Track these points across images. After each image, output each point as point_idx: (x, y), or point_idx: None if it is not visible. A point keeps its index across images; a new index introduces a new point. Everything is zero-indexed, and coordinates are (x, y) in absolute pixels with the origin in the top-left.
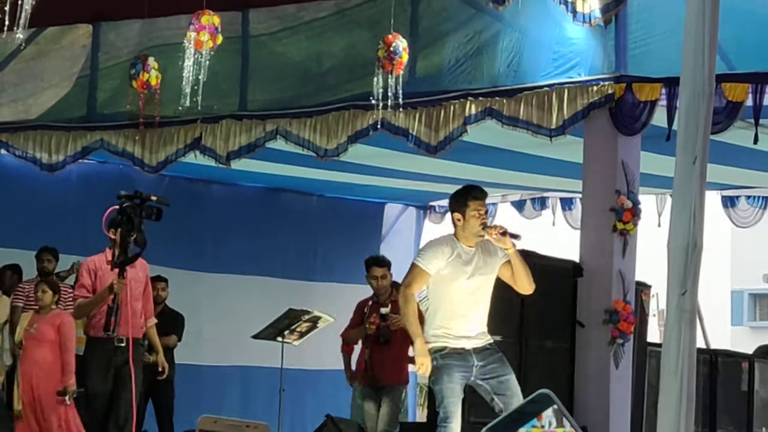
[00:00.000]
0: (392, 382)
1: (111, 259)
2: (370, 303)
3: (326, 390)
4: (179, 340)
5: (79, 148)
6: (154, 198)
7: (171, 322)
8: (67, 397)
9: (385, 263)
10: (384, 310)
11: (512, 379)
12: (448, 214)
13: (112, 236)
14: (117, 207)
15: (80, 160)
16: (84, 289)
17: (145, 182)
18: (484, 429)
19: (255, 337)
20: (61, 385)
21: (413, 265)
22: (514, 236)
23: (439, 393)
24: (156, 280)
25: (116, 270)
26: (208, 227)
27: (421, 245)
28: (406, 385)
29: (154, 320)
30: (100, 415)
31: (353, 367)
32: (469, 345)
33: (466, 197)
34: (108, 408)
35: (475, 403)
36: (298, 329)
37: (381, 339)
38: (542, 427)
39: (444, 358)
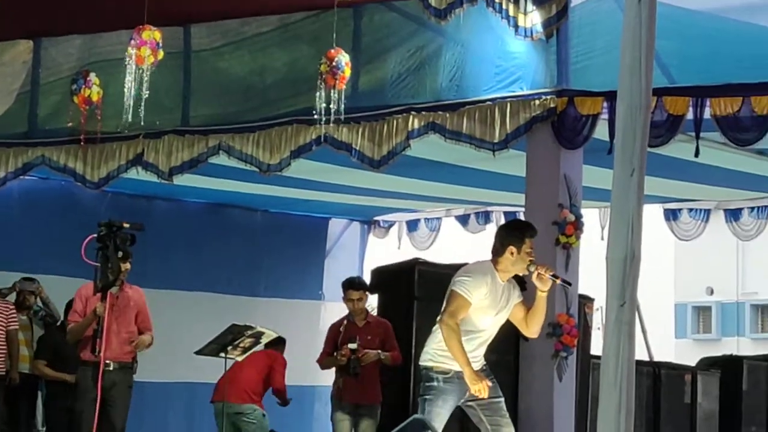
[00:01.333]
0: (369, 402)
1: (94, 285)
2: (345, 323)
3: (271, 406)
4: None
5: (20, 164)
6: (126, 225)
7: None
8: None
9: (361, 286)
10: (352, 346)
11: (503, 402)
12: (393, 228)
13: (92, 263)
14: (95, 235)
15: (21, 177)
16: (76, 314)
17: (87, 199)
18: None
19: (198, 353)
20: None
21: (455, 293)
22: (566, 282)
23: (426, 413)
24: None
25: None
26: (151, 243)
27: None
28: (380, 402)
29: (150, 333)
30: None
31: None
32: (474, 367)
33: (524, 233)
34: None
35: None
36: (242, 345)
37: (351, 371)
38: None
39: (446, 382)
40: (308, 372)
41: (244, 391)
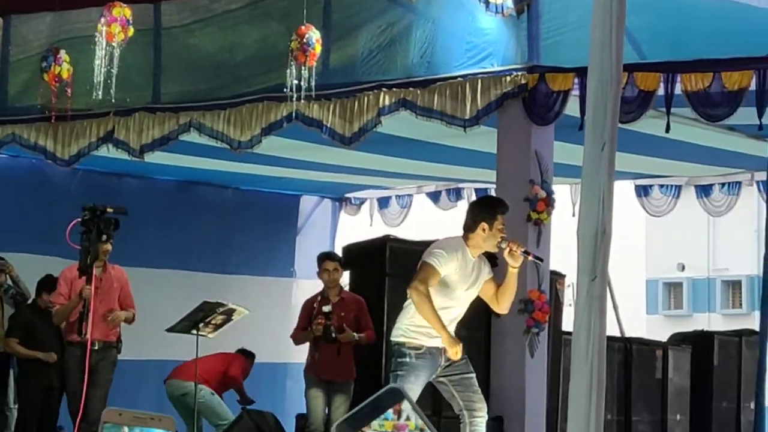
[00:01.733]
0: (343, 378)
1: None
2: (319, 299)
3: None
4: None
5: None
6: (110, 210)
7: None
8: None
9: (336, 258)
10: (326, 308)
11: (474, 378)
12: (364, 205)
13: (77, 247)
14: (80, 219)
15: None
16: (62, 296)
17: (58, 176)
18: (335, 424)
19: (170, 330)
20: None
21: (427, 264)
22: (537, 258)
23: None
24: None
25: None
26: (122, 221)
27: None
28: (354, 379)
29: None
30: (74, 412)
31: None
32: (442, 344)
33: (496, 209)
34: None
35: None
36: (213, 322)
37: (329, 337)
38: (397, 419)
39: (418, 358)
40: (280, 349)
41: (194, 373)
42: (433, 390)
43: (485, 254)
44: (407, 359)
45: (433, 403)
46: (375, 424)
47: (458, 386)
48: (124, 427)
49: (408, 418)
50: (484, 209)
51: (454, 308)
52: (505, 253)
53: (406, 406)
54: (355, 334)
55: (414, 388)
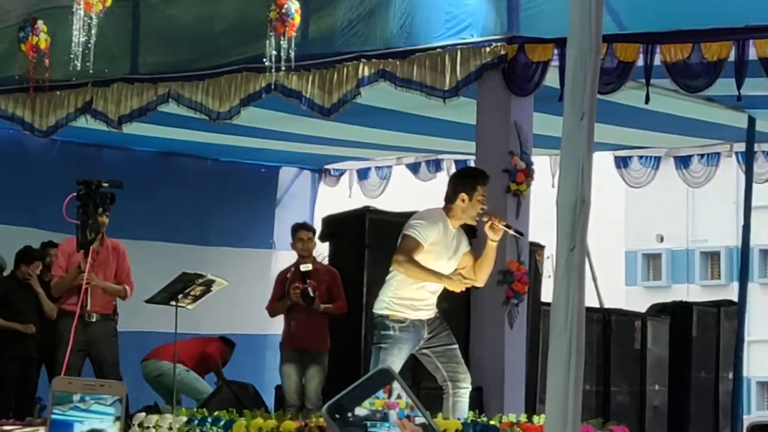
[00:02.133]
0: (317, 347)
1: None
2: (293, 270)
3: None
4: None
5: None
6: (106, 184)
7: None
8: None
9: (311, 228)
10: (305, 267)
11: (458, 349)
12: (344, 177)
13: (73, 221)
14: (75, 194)
15: None
16: (60, 269)
17: (36, 147)
18: (325, 406)
19: (148, 301)
20: None
21: (408, 236)
22: (518, 232)
23: (381, 362)
24: (48, 246)
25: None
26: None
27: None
28: (328, 349)
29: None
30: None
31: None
32: (425, 316)
33: (476, 180)
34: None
35: (425, 369)
36: (192, 293)
37: (309, 300)
38: (388, 397)
39: (402, 331)
40: (259, 320)
41: (171, 353)
42: (413, 361)
43: (464, 227)
44: (391, 332)
45: (412, 374)
46: (366, 402)
47: (442, 357)
48: (75, 395)
49: (399, 396)
50: (463, 180)
51: (433, 288)
52: (486, 226)
53: (396, 385)
54: (322, 305)
55: (397, 360)
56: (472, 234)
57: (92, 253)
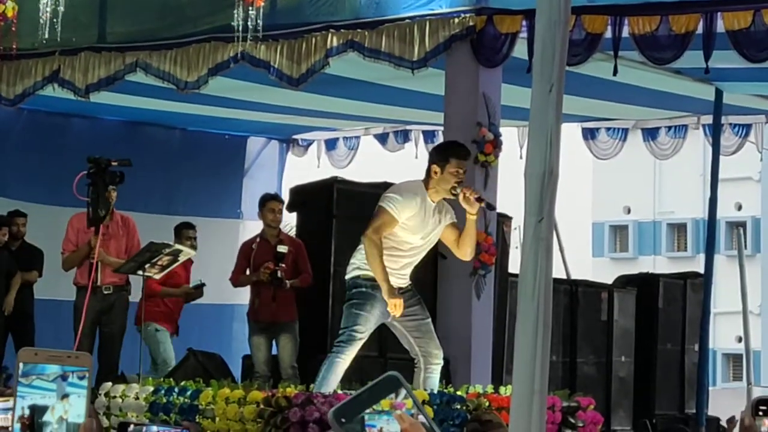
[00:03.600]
0: (285, 319)
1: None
2: (258, 240)
3: (187, 323)
4: (40, 275)
5: None
6: (114, 163)
7: (31, 258)
8: None
9: (281, 200)
10: (282, 249)
11: (430, 323)
12: (312, 147)
13: (84, 198)
14: (85, 172)
15: None
16: (70, 243)
17: (3, 116)
18: (332, 410)
19: (116, 271)
20: None
21: (383, 210)
22: (490, 205)
23: (353, 316)
24: (15, 215)
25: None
26: (69, 161)
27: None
28: (296, 319)
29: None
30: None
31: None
32: (397, 284)
33: (449, 153)
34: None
35: (393, 340)
36: (159, 263)
37: (275, 282)
38: (395, 398)
39: (374, 288)
40: (227, 291)
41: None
42: (379, 331)
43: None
44: (363, 289)
45: (379, 345)
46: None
47: (415, 332)
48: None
49: (405, 397)
50: (437, 153)
51: (411, 252)
52: (460, 198)
53: (403, 391)
54: (287, 281)
55: (370, 318)
56: None
57: (102, 227)
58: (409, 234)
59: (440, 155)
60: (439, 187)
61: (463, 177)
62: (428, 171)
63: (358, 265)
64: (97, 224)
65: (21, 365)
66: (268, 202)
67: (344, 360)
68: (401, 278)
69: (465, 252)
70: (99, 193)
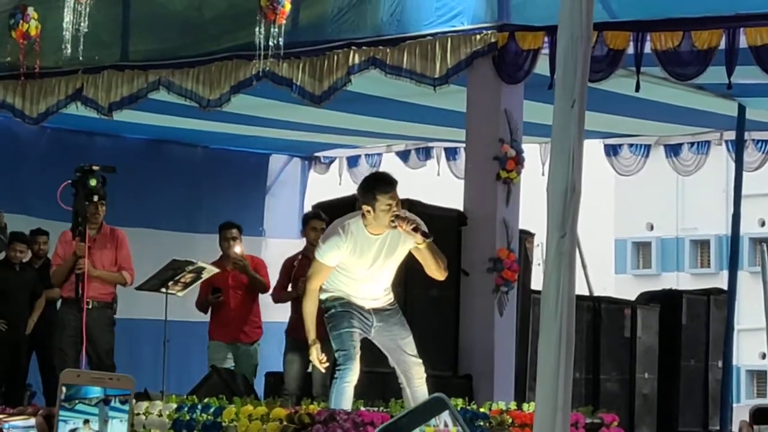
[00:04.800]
0: (323, 337)
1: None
2: (300, 258)
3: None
4: None
5: None
6: (96, 168)
7: None
8: None
9: (324, 218)
10: None
11: (409, 340)
12: (334, 164)
13: (68, 208)
14: (69, 181)
15: None
16: (58, 257)
17: (26, 134)
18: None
19: (139, 288)
20: None
21: (314, 261)
22: (426, 234)
23: (338, 338)
24: (37, 234)
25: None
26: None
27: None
28: None
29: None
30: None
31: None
32: (368, 305)
33: (374, 191)
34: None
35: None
36: (182, 280)
37: None
38: (439, 426)
39: (343, 306)
40: None
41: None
42: (369, 343)
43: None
44: (333, 310)
45: (366, 357)
46: (417, 430)
47: (394, 353)
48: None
49: (447, 425)
50: (364, 192)
51: (365, 278)
52: (403, 232)
53: (449, 414)
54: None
55: (353, 331)
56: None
57: (89, 240)
58: (354, 268)
59: (366, 195)
60: (376, 222)
61: (396, 207)
62: (360, 209)
63: (326, 287)
64: (81, 233)
65: (64, 389)
66: (311, 221)
67: (350, 383)
68: (374, 300)
69: (433, 275)
70: (82, 201)
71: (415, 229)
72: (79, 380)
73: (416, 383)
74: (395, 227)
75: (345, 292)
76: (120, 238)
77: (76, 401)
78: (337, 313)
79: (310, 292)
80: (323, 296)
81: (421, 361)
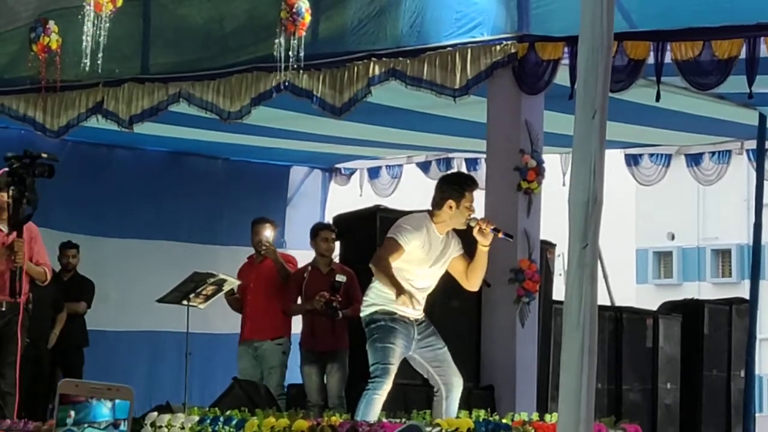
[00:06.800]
0: (337, 347)
1: (6, 220)
2: (309, 269)
3: (232, 353)
4: (89, 306)
5: None
6: (44, 155)
7: (81, 289)
8: None
9: (333, 228)
10: (340, 278)
11: (446, 351)
12: (354, 176)
13: (5, 198)
14: (6, 169)
15: None
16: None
17: (48, 147)
18: None
19: (160, 300)
20: None
21: (391, 239)
22: (508, 235)
23: (380, 350)
24: (67, 246)
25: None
26: (113, 192)
27: (327, 210)
28: (347, 347)
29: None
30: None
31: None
32: (412, 316)
33: (464, 187)
34: None
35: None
36: (204, 292)
37: (329, 312)
38: None
39: (393, 322)
40: None
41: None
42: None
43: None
44: (382, 323)
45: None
46: None
47: (434, 362)
48: (68, 418)
49: None
50: (451, 187)
51: (423, 278)
52: (475, 230)
53: None
54: (340, 311)
55: (396, 349)
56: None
57: (1, 236)
58: (415, 267)
59: (456, 190)
60: (452, 221)
61: (474, 208)
62: (439, 204)
63: (373, 301)
64: (20, 226)
65: (72, 413)
66: (321, 232)
67: (381, 396)
68: (415, 311)
69: (473, 283)
70: (26, 187)
71: (497, 230)
72: (77, 390)
73: (455, 394)
74: (473, 226)
75: (395, 308)
76: (35, 233)
77: (86, 425)
78: (385, 326)
79: (388, 263)
80: (373, 309)
81: (458, 371)
